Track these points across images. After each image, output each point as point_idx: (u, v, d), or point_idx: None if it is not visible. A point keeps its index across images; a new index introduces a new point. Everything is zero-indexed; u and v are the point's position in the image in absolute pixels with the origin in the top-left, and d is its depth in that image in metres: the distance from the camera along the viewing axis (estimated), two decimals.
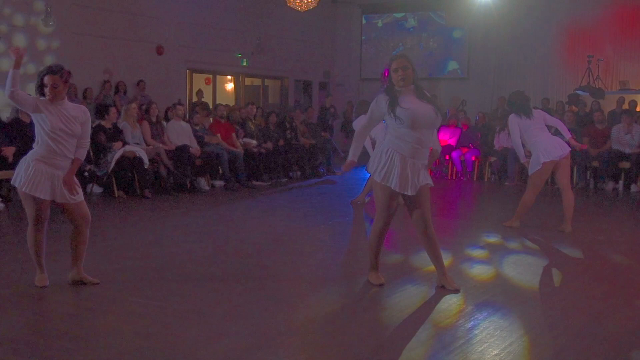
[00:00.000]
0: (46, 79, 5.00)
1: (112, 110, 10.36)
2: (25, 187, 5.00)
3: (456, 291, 5.26)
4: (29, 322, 4.53)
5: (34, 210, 5.09)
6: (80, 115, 5.14)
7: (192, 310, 4.74)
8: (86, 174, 10.01)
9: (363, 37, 20.49)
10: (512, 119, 7.93)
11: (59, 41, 13.23)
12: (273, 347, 4.07)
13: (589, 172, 12.84)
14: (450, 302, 5.07)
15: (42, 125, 5.02)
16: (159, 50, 15.32)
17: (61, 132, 5.01)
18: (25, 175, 5.00)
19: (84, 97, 13.22)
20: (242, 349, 4.00)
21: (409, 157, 5.08)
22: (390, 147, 5.14)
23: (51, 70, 5.04)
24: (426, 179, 5.21)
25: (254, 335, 4.22)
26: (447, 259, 6.46)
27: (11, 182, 5.25)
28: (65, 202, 5.12)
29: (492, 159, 13.50)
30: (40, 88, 5.05)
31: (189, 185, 10.84)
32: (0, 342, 4.03)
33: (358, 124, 4.92)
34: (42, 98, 5.03)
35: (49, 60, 13.10)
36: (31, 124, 9.15)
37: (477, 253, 6.88)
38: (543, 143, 7.78)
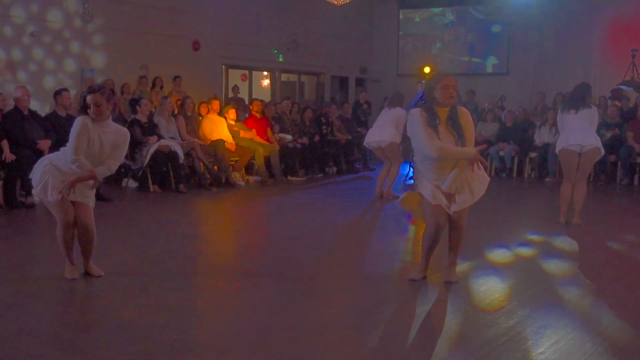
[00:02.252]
0: (89, 99, 4.88)
1: (144, 102, 10.33)
2: (42, 194, 5.00)
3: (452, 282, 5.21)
4: (58, 314, 4.47)
5: (59, 213, 5.03)
6: (117, 139, 5.00)
7: (225, 304, 4.64)
8: (122, 169, 10.02)
9: (400, 33, 20.25)
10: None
11: (96, 37, 13.27)
12: (307, 342, 3.94)
13: (637, 168, 12.43)
14: (492, 298, 4.89)
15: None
16: (195, 46, 15.30)
17: (90, 157, 4.91)
18: (40, 182, 4.98)
19: (121, 93, 13.26)
20: (276, 344, 3.88)
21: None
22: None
23: (92, 90, 4.93)
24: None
25: (288, 330, 4.10)
26: (489, 255, 6.28)
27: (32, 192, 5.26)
28: (75, 200, 5.04)
29: (533, 154, 13.20)
30: (84, 109, 4.94)
31: (224, 180, 10.76)
32: (28, 334, 3.96)
33: (411, 130, 4.70)
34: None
35: (87, 57, 13.17)
36: (67, 118, 9.21)
37: (519, 250, 6.66)
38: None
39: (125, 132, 5.12)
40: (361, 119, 16.74)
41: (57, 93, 9.36)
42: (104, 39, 13.35)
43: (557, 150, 7.99)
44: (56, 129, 8.83)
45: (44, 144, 8.42)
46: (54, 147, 8.49)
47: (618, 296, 5.06)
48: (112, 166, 5.03)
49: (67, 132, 8.98)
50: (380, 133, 9.81)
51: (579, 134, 7.66)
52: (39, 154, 8.30)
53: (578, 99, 7.76)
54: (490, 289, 5.15)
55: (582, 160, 7.76)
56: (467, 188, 5.02)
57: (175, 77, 14.21)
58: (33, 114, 8.75)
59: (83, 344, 3.85)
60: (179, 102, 11.75)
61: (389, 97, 10.42)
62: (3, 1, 11.79)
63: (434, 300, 4.84)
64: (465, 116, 4.97)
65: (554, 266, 5.95)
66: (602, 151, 7.85)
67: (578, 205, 7.93)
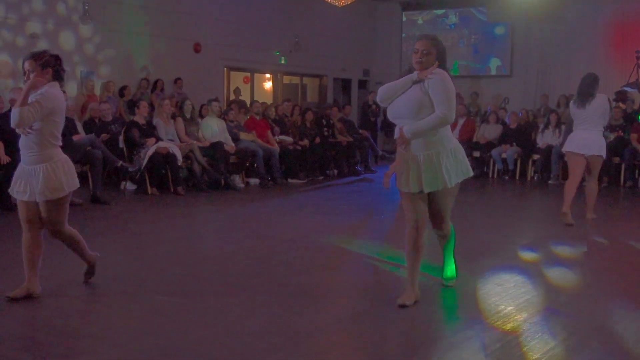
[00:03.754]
0: (25, 65, 4.56)
1: (142, 104, 10.27)
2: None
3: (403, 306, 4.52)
4: (43, 319, 4.35)
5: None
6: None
7: (214, 308, 4.54)
8: (120, 171, 9.96)
9: (403, 35, 20.15)
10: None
11: (96, 39, 13.22)
12: (298, 347, 3.84)
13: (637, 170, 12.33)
14: (488, 303, 4.78)
15: None
16: (197, 48, 15.23)
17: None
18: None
19: (121, 95, 13.20)
20: (265, 349, 3.78)
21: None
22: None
23: (28, 56, 4.61)
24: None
25: (278, 335, 4.00)
26: (486, 259, 6.18)
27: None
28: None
29: (535, 156, 13.09)
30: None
31: (223, 182, 10.67)
32: (11, 340, 3.88)
33: None
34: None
35: (86, 58, 13.12)
36: (65, 120, 9.13)
37: (517, 253, 6.56)
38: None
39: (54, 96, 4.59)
40: (370, 119, 16.66)
41: None
42: (104, 40, 13.29)
43: (563, 150, 8.15)
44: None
45: None
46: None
47: (617, 301, 4.94)
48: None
49: (64, 134, 8.92)
50: None
51: (584, 138, 7.70)
52: None
53: (585, 93, 7.75)
54: (487, 293, 5.04)
55: (589, 161, 7.80)
56: (440, 168, 4.44)
57: (176, 79, 14.15)
58: None
59: (64, 349, 3.75)
60: (178, 104, 11.68)
61: None
62: (2, 1, 11.75)
63: (429, 305, 4.72)
64: (437, 81, 4.39)
65: (552, 270, 5.84)
66: (604, 156, 7.89)
67: (590, 200, 8.07)
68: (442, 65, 4.49)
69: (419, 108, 4.39)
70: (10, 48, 11.86)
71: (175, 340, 3.91)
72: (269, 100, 16.84)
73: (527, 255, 6.43)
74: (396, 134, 4.55)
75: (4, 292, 4.64)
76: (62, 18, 12.65)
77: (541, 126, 13.25)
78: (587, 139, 7.68)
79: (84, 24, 12.88)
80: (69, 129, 9.14)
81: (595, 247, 6.98)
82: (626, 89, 15.42)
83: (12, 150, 8.14)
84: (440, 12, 19.57)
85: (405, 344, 3.99)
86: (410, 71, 4.53)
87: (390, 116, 4.58)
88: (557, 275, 5.68)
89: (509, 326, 4.25)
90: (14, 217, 7.71)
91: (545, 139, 12.87)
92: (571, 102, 8.03)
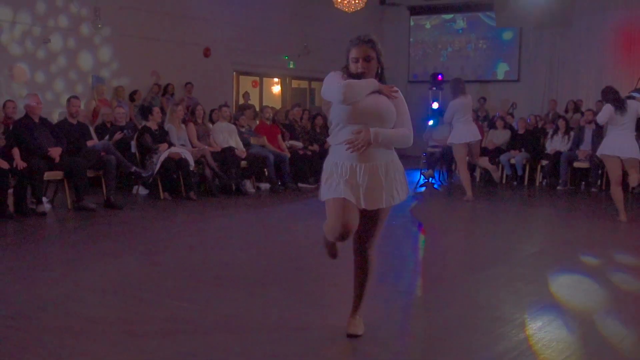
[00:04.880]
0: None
1: (156, 110, 10.34)
2: None
3: (356, 336, 4.15)
4: (61, 326, 4.41)
5: None
6: None
7: (232, 314, 4.60)
8: (133, 176, 10.05)
9: (411, 39, 20.22)
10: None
11: (107, 44, 13.32)
12: (315, 355, 3.90)
13: None
14: (503, 311, 4.83)
15: None
16: (206, 53, 15.33)
17: None
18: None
19: (132, 100, 13.29)
20: (283, 357, 3.84)
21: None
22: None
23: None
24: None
25: (296, 343, 4.06)
26: (500, 266, 6.22)
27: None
28: None
29: (544, 162, 13.12)
30: None
31: (234, 187, 10.75)
32: (37, 345, 3.95)
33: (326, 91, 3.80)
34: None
35: (97, 63, 13.21)
36: (78, 125, 9.24)
37: (531, 260, 6.61)
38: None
39: None
40: None
41: (67, 101, 9.42)
42: (115, 45, 13.39)
43: (598, 154, 8.68)
44: (67, 137, 8.86)
45: (55, 151, 8.44)
46: (65, 155, 8.55)
47: (634, 311, 4.99)
48: None
49: (78, 140, 9.04)
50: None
51: (620, 142, 8.29)
52: (50, 161, 8.36)
53: (622, 100, 8.39)
54: (501, 301, 5.09)
55: (625, 164, 8.38)
56: (383, 186, 3.89)
57: (187, 84, 14.24)
58: (44, 121, 8.77)
59: (68, 351, 3.82)
60: (189, 109, 11.76)
61: (451, 86, 10.83)
62: (13, 5, 11.85)
63: (442, 312, 4.78)
64: (401, 100, 3.98)
65: (567, 278, 5.88)
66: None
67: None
68: (383, 69, 4.04)
69: (388, 117, 3.88)
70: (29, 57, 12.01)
71: (195, 346, 3.98)
72: (278, 104, 16.93)
73: (539, 263, 6.48)
74: (345, 136, 3.85)
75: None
76: (73, 23, 12.75)
77: (550, 132, 13.29)
78: (623, 142, 8.24)
79: (95, 29, 12.99)
80: (83, 135, 9.25)
81: (610, 255, 7.00)
82: (634, 94, 15.43)
83: (28, 156, 8.26)
84: (448, 16, 19.63)
85: (420, 352, 4.04)
86: (350, 75, 3.92)
87: (349, 119, 3.85)
88: (571, 283, 5.72)
89: (523, 335, 4.30)
90: (30, 222, 7.83)
91: (554, 145, 12.91)
92: (608, 107, 8.37)
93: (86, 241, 7.09)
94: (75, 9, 12.68)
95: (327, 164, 3.98)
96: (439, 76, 16.88)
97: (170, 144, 10.18)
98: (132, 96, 13.36)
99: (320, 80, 3.70)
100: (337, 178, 3.88)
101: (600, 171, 12.07)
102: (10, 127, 8.72)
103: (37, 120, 8.61)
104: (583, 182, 12.71)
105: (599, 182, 12.19)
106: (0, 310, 4.53)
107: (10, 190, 8.14)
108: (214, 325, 4.39)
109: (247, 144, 11.37)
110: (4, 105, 9.92)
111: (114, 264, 6.01)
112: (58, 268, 5.97)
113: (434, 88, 16.72)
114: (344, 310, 4.54)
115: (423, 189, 12.35)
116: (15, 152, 8.18)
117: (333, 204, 3.84)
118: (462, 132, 10.47)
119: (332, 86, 3.88)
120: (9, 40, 11.81)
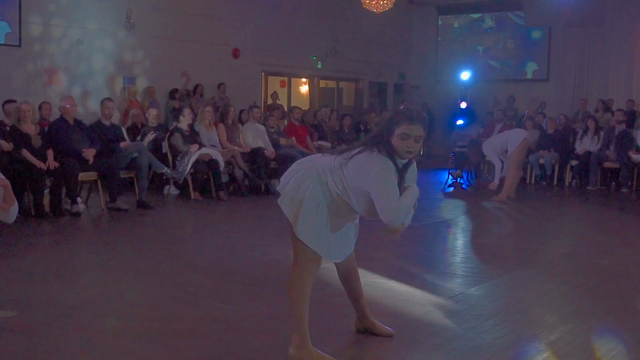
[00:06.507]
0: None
1: (186, 111, 10.49)
2: None
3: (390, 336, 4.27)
4: (101, 323, 4.52)
5: None
6: None
7: (267, 314, 4.68)
8: (165, 176, 10.21)
9: (439, 39, 20.20)
10: None
11: (137, 45, 13.51)
12: (355, 354, 3.96)
13: None
14: (532, 313, 4.85)
15: None
16: (235, 54, 15.47)
17: None
18: None
19: (173, 98, 13.53)
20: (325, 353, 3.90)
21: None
22: None
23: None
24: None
25: (330, 344, 4.12)
26: (529, 267, 6.23)
27: None
28: None
29: (574, 162, 13.04)
30: None
31: (263, 187, 10.86)
32: (86, 345, 4.06)
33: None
34: None
35: (128, 64, 13.40)
36: (111, 127, 9.40)
37: (561, 262, 6.60)
38: None
39: None
40: None
41: (100, 102, 9.58)
42: (147, 46, 13.57)
43: None
44: (101, 138, 9.03)
45: (89, 153, 8.60)
46: (98, 156, 8.71)
47: None
48: None
49: (111, 141, 9.20)
50: None
51: None
52: (84, 163, 8.52)
53: None
54: (531, 303, 5.10)
55: None
56: (352, 234, 4.28)
57: (220, 84, 14.38)
58: (78, 123, 8.94)
59: (113, 350, 3.92)
60: (220, 109, 11.90)
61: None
62: (47, 9, 12.07)
63: (468, 314, 4.81)
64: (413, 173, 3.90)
65: (597, 280, 5.86)
66: None
67: None
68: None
69: None
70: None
71: (233, 346, 4.05)
72: (306, 105, 17.02)
73: (569, 265, 6.47)
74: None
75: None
76: (104, 24, 12.95)
77: (579, 132, 13.20)
78: None
79: (127, 30, 13.18)
80: (117, 136, 9.40)
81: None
82: None
83: (63, 156, 8.43)
84: (476, 15, 19.58)
85: (443, 351, 4.07)
86: (389, 151, 3.66)
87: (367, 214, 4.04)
88: (602, 285, 5.71)
89: (554, 336, 4.32)
90: (65, 222, 7.99)
91: (583, 145, 12.83)
92: None
93: (120, 241, 7.23)
94: (107, 11, 12.87)
95: (315, 193, 4.02)
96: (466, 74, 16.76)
97: (201, 145, 10.30)
98: (172, 94, 13.63)
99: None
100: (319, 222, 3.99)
101: (631, 171, 11.98)
102: (46, 129, 8.90)
103: (71, 122, 8.78)
104: (613, 183, 12.61)
105: (629, 182, 12.09)
106: (39, 310, 4.63)
107: (46, 191, 8.32)
108: (251, 325, 4.46)
109: (276, 145, 11.47)
110: (40, 107, 10.11)
111: (148, 264, 6.12)
112: (93, 268, 6.10)
113: (462, 87, 16.67)
114: (380, 309, 4.59)
115: (451, 189, 12.36)
116: (50, 153, 8.35)
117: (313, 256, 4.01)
118: (512, 136, 10.86)
119: (397, 204, 3.74)
120: (43, 44, 12.03)
